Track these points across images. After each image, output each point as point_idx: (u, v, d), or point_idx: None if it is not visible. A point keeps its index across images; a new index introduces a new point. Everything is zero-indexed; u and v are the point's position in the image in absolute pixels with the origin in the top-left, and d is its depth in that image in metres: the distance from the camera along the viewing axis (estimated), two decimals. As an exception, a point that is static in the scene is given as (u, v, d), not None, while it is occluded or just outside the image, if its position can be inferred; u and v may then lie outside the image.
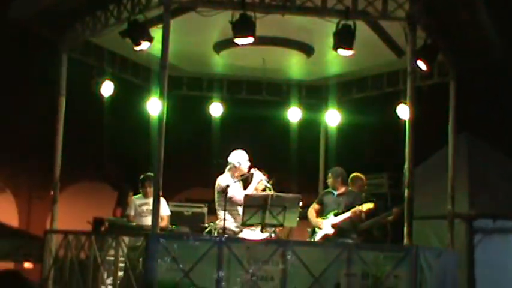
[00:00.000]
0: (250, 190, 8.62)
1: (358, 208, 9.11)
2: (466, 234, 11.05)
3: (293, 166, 12.70)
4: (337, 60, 10.40)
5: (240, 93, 11.78)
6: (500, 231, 11.45)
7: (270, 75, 11.10)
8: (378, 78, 11.07)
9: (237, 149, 9.01)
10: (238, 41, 8.17)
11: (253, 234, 8.50)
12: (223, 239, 7.79)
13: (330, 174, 9.61)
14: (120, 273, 8.35)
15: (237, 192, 8.60)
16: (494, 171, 12.00)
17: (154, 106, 10.68)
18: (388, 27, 9.15)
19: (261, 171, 8.77)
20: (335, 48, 8.23)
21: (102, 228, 9.41)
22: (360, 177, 10.11)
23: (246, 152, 9.05)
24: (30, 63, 12.16)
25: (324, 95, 11.84)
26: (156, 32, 8.31)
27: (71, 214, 10.78)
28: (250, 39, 8.12)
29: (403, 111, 9.74)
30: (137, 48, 8.49)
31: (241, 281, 7.60)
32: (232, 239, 8.24)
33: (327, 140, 11.83)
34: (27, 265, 13.82)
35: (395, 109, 10.47)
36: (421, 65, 8.68)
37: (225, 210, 8.37)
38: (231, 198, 8.50)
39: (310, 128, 12.02)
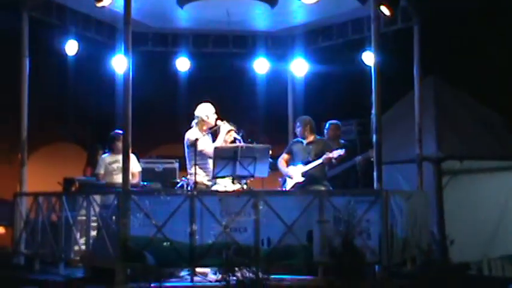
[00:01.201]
0: (218, 142, 8.61)
1: (329, 155, 9.14)
2: (434, 176, 11.19)
3: (262, 118, 12.69)
4: (301, 9, 10.38)
5: (206, 47, 11.71)
6: (468, 171, 11.63)
7: (235, 27, 11.02)
8: (343, 26, 11.08)
9: (203, 102, 8.95)
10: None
11: (226, 184, 8.52)
12: (194, 192, 7.82)
13: (298, 123, 9.61)
14: (93, 233, 8.36)
15: (206, 145, 8.59)
16: (461, 113, 12.13)
17: (120, 63, 10.61)
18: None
19: (229, 123, 8.75)
20: (299, -4, 8.20)
21: (73, 189, 9.36)
22: (337, 125, 10.19)
23: (214, 105, 9.01)
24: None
25: (290, 45, 11.84)
26: (118, -13, 8.20)
27: (40, 177, 10.67)
28: (213, -10, 8.05)
29: (369, 58, 9.78)
30: (99, 4, 8.39)
31: (215, 234, 7.68)
32: (204, 192, 8.29)
33: (294, 90, 11.87)
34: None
35: (361, 56, 10.52)
36: (385, 10, 8.70)
37: (195, 164, 8.37)
38: (201, 151, 8.49)
39: (278, 78, 12.01)
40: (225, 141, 8.71)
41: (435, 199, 11.18)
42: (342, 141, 10.19)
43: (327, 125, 10.30)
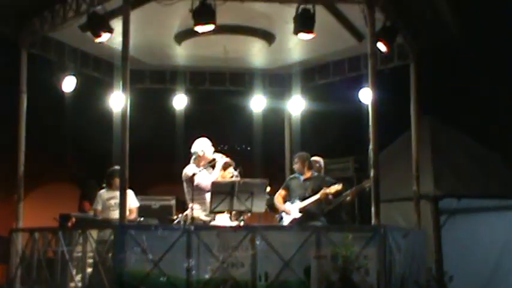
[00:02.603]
0: (215, 175, 8.57)
1: (326, 190, 9.13)
2: (432, 214, 11.16)
3: (259, 155, 12.72)
4: (298, 46, 10.50)
5: (204, 84, 11.78)
6: (465, 211, 11.61)
7: (232, 64, 11.14)
8: (339, 63, 11.20)
9: (200, 137, 8.94)
10: (199, 28, 8.18)
11: (224, 221, 8.47)
12: (191, 227, 7.78)
13: (296, 159, 9.62)
14: (90, 270, 8.28)
15: (203, 179, 8.53)
16: (457, 151, 12.15)
17: (117, 100, 10.62)
18: (348, 11, 9.23)
19: (225, 156, 8.73)
20: (296, 32, 8.30)
21: (69, 224, 9.31)
22: (316, 161, 10.12)
23: (212, 141, 9.01)
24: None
25: (287, 82, 11.94)
26: (116, 25, 8.28)
27: (36, 214, 10.64)
28: (211, 27, 8.14)
29: (366, 95, 9.84)
30: (98, 40, 8.46)
31: (212, 269, 7.61)
32: (201, 227, 8.23)
33: (291, 127, 11.92)
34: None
35: (358, 94, 10.58)
36: (381, 46, 8.78)
37: (192, 199, 8.33)
38: (198, 185, 8.44)
39: (275, 115, 12.07)
40: (223, 176, 8.67)
41: (433, 238, 11.17)
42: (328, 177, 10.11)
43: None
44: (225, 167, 8.78)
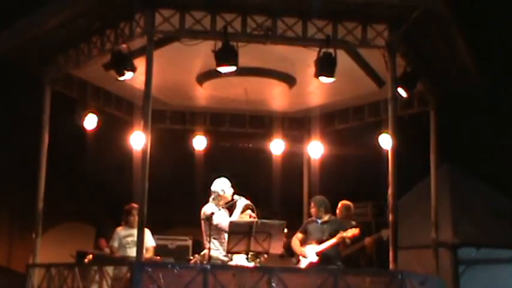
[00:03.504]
0: (235, 217, 8.58)
1: (342, 234, 9.12)
2: (450, 263, 11.08)
3: (277, 198, 12.68)
4: (319, 90, 10.56)
5: (223, 126, 11.85)
6: (484, 261, 11.51)
7: (252, 106, 11.19)
8: (359, 109, 11.22)
9: (220, 177, 8.98)
10: (221, 69, 8.27)
11: (241, 261, 8.44)
12: (208, 266, 7.74)
13: (312, 204, 9.64)
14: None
15: (223, 219, 8.54)
16: (476, 200, 12.11)
17: (137, 140, 10.68)
18: (369, 56, 9.30)
19: (245, 198, 8.74)
20: (317, 75, 8.35)
21: (86, 261, 9.30)
22: (348, 205, 10.15)
23: (230, 182, 9.03)
24: (12, 98, 12.12)
25: (307, 126, 11.95)
26: (139, 64, 8.39)
27: (53, 251, 10.66)
28: (233, 68, 8.22)
29: (385, 141, 9.84)
30: (121, 78, 8.54)
31: (228, 309, 7.55)
32: (218, 266, 8.20)
33: (310, 171, 11.90)
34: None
35: (377, 139, 10.58)
36: (401, 92, 8.81)
37: (209, 238, 8.32)
38: (217, 225, 8.44)
39: (294, 159, 12.08)
40: (241, 217, 8.67)
41: (452, 287, 11.05)
42: (353, 222, 10.11)
43: (338, 205, 10.28)
44: (244, 209, 8.78)
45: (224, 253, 8.49)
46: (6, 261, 13.59)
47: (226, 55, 8.12)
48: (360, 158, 12.38)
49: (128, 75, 8.48)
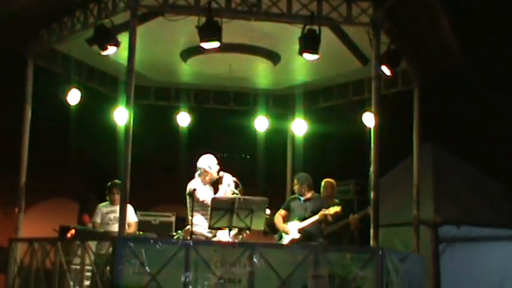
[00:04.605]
0: (221, 193, 8.61)
1: (325, 211, 9.17)
2: (431, 241, 11.17)
3: (261, 175, 12.73)
4: (303, 68, 10.56)
5: (208, 103, 11.84)
6: (464, 239, 11.60)
7: (237, 83, 11.19)
8: (343, 87, 11.23)
9: (206, 153, 8.99)
10: (205, 45, 8.23)
11: (225, 237, 8.48)
12: (190, 242, 7.77)
13: (296, 181, 9.67)
14: (87, 282, 8.26)
15: (208, 195, 8.58)
16: (458, 179, 12.18)
17: (121, 115, 10.66)
18: (353, 34, 9.30)
19: (230, 175, 8.76)
20: (301, 52, 8.34)
21: (68, 235, 9.30)
22: (332, 183, 10.18)
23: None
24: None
25: (291, 104, 11.96)
26: (123, 40, 8.35)
27: (36, 227, 10.65)
28: (217, 44, 8.19)
29: (369, 119, 9.87)
30: (104, 53, 8.50)
31: (209, 284, 7.59)
32: (200, 241, 8.23)
33: (294, 148, 11.93)
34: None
35: (361, 117, 10.60)
36: (385, 70, 8.81)
37: (192, 213, 8.34)
38: (203, 201, 8.48)
39: (278, 136, 12.10)
40: (226, 193, 8.69)
41: (431, 265, 11.14)
42: (337, 199, 10.15)
43: (322, 183, 10.32)
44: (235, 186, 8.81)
45: (208, 229, 8.53)
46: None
47: (209, 31, 8.08)
48: (343, 136, 12.42)
49: (111, 50, 8.44)
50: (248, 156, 8.56)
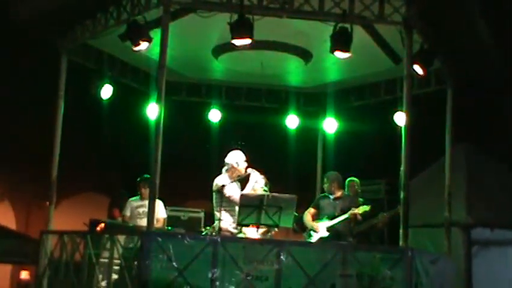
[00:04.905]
0: (247, 190, 8.60)
1: (354, 210, 9.13)
2: (463, 243, 11.03)
3: (291, 173, 12.70)
4: (335, 66, 10.53)
5: (239, 100, 11.85)
6: (498, 243, 11.43)
7: (268, 81, 11.18)
8: (375, 86, 11.18)
9: (234, 149, 8.99)
10: (236, 42, 8.23)
11: (252, 234, 8.47)
12: (218, 238, 7.78)
13: (326, 179, 9.65)
14: (115, 276, 8.33)
15: (235, 192, 8.58)
16: (492, 181, 12.00)
17: (153, 111, 10.72)
18: (386, 33, 9.22)
19: (259, 172, 8.74)
20: (332, 50, 8.30)
21: (98, 229, 9.39)
22: (356, 182, 10.14)
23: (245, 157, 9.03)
24: (30, 67, 12.18)
25: (322, 102, 11.93)
26: (156, 35, 8.39)
27: (67, 220, 10.77)
28: (248, 41, 8.19)
29: (401, 118, 9.78)
30: (136, 48, 8.56)
31: (236, 281, 7.58)
32: (228, 238, 8.24)
33: (324, 147, 11.91)
34: (24, 275, 13.82)
35: (393, 117, 10.53)
36: (418, 69, 8.73)
37: (220, 209, 8.35)
38: (229, 197, 8.48)
39: (308, 134, 12.07)
40: (254, 190, 8.68)
41: (463, 268, 11.01)
42: (361, 199, 10.05)
43: (346, 182, 10.26)
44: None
45: (234, 225, 8.53)
46: (24, 228, 13.79)
47: (241, 28, 8.08)
48: (375, 135, 12.33)
49: (143, 45, 8.50)
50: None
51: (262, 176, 8.72)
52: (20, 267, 13.64)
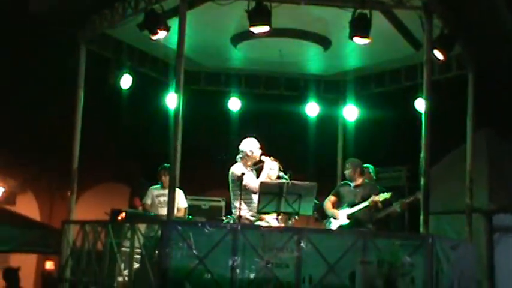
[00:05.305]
0: (262, 178, 8.56)
1: (374, 198, 9.08)
2: (485, 230, 10.95)
3: (311, 161, 12.68)
4: (354, 53, 10.46)
5: (258, 88, 11.83)
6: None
7: (287, 69, 11.14)
8: (395, 72, 11.09)
9: (248, 137, 8.96)
10: (254, 29, 8.22)
11: (271, 222, 8.47)
12: (238, 226, 7.79)
13: (348, 165, 9.58)
14: (137, 265, 8.37)
15: (251, 180, 8.56)
16: (513, 167, 11.88)
17: (172, 100, 10.73)
18: (405, 18, 9.14)
19: (272, 159, 8.70)
20: (351, 36, 8.26)
21: (119, 218, 9.43)
22: (368, 168, 10.06)
23: (263, 145, 8.99)
24: (50, 58, 12.25)
25: (342, 90, 11.87)
26: (174, 25, 8.38)
27: (89, 210, 10.91)
28: (266, 28, 8.16)
29: (421, 105, 9.70)
30: (154, 37, 8.56)
31: (256, 268, 7.59)
32: (247, 226, 8.24)
33: (344, 134, 11.86)
34: (49, 265, 13.98)
35: (413, 103, 10.45)
36: (438, 54, 8.66)
37: (240, 198, 8.34)
38: (245, 186, 8.45)
39: (328, 122, 12.03)
40: (269, 177, 8.66)
41: (485, 254, 10.92)
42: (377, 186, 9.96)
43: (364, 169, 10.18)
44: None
45: (252, 213, 8.53)
46: (47, 219, 13.93)
47: (259, 15, 8.06)
48: (395, 122, 12.25)
49: (161, 34, 8.49)
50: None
51: (276, 163, 8.68)
52: (45, 257, 13.82)
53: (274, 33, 8.54)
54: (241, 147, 8.90)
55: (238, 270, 7.54)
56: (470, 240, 9.59)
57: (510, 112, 12.68)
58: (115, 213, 9.63)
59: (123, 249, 8.57)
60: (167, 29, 8.45)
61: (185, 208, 9.92)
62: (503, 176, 11.59)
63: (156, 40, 8.66)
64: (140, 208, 10.16)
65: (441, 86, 9.97)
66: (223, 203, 11.12)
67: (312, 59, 10.73)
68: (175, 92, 8.18)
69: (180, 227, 7.68)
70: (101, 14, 9.34)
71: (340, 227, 9.24)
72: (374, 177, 10.05)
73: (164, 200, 9.33)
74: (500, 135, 12.22)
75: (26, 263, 12.80)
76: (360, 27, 8.21)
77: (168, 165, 9.03)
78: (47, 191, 14.65)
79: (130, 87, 10.33)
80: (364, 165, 9.89)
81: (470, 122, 9.93)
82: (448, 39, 8.70)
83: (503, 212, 11.02)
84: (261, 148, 8.87)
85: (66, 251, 9.22)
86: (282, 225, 8.48)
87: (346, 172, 9.59)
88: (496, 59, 10.31)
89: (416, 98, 10.37)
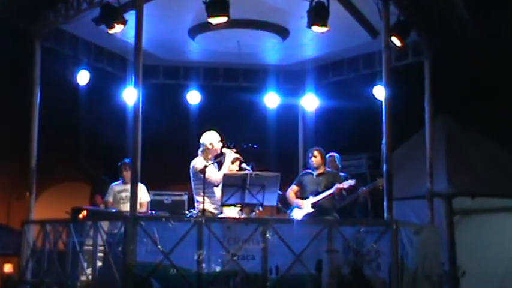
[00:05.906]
0: (224, 170, 8.50)
1: (339, 186, 9.10)
2: (445, 213, 11.07)
3: (273, 151, 12.63)
4: (312, 42, 10.48)
5: (217, 80, 11.78)
6: (479, 211, 11.50)
7: (246, 60, 11.10)
8: (353, 60, 11.16)
9: (209, 130, 8.90)
10: (212, 20, 8.17)
11: (233, 214, 8.43)
12: (202, 219, 7.73)
13: (316, 153, 9.51)
14: (100, 263, 8.26)
15: (212, 173, 8.50)
16: (472, 151, 12.03)
17: (131, 95, 10.60)
18: (362, 6, 9.18)
19: (233, 150, 8.66)
20: (309, 25, 8.26)
21: (80, 216, 9.29)
22: (336, 157, 10.09)
23: (224, 137, 8.93)
24: (3, 55, 11.97)
25: (301, 79, 11.90)
26: (130, 19, 8.27)
27: (49, 209, 10.74)
28: (224, 19, 8.13)
29: (380, 92, 9.77)
30: (111, 31, 8.47)
31: (223, 261, 7.56)
32: (212, 219, 8.20)
33: (305, 124, 11.89)
34: (7, 268, 13.69)
35: (372, 90, 10.51)
36: (395, 41, 8.72)
37: (203, 191, 8.28)
38: (207, 179, 8.37)
39: (289, 112, 12.04)
40: (230, 170, 8.62)
41: (446, 236, 11.05)
42: (342, 174, 9.99)
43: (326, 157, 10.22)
44: (233, 162, 8.73)
45: (214, 206, 8.48)
46: (5, 219, 13.63)
47: (217, 6, 8.04)
48: (355, 110, 12.28)
49: (117, 28, 8.39)
50: (255, 146, 8.45)
51: (237, 155, 8.64)
52: (4, 259, 13.52)
53: (232, 24, 8.54)
54: (202, 140, 8.84)
55: (204, 264, 7.50)
56: (433, 224, 9.69)
57: (467, 97, 12.86)
58: (76, 211, 9.48)
59: (86, 247, 8.43)
60: (124, 22, 8.35)
61: (148, 202, 9.81)
62: (461, 160, 11.73)
63: (113, 34, 8.54)
64: (102, 206, 10.03)
65: (399, 72, 10.03)
66: (185, 197, 11.05)
67: (271, 49, 10.71)
68: (135, 86, 8.07)
69: (143, 223, 7.61)
70: (55, 9, 9.17)
71: (306, 216, 9.23)
72: (340, 166, 10.09)
73: (126, 196, 9.21)
74: (457, 120, 12.38)
75: (-17, 267, 12.54)
76: (317, 15, 8.25)
77: (129, 160, 8.92)
78: (3, 191, 14.34)
79: (88, 83, 10.18)
80: (330, 154, 9.92)
81: (428, 108, 10.03)
82: (404, 26, 8.77)
83: (463, 195, 11.15)
84: (221, 141, 8.80)
85: (27, 252, 9.05)
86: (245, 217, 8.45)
87: (313, 160, 9.54)
88: (451, 43, 10.43)
89: (375, 86, 10.43)
